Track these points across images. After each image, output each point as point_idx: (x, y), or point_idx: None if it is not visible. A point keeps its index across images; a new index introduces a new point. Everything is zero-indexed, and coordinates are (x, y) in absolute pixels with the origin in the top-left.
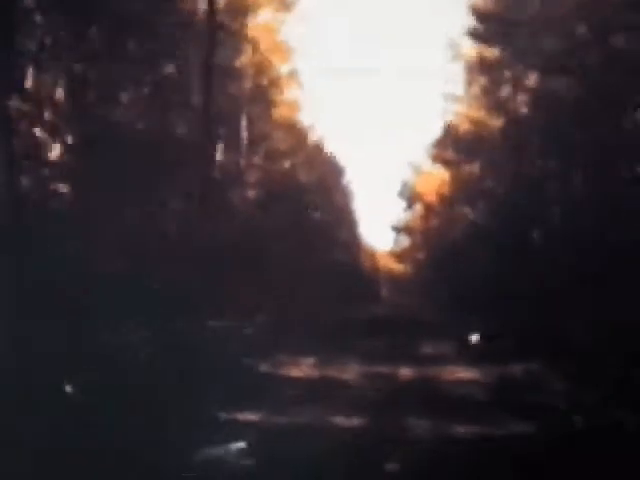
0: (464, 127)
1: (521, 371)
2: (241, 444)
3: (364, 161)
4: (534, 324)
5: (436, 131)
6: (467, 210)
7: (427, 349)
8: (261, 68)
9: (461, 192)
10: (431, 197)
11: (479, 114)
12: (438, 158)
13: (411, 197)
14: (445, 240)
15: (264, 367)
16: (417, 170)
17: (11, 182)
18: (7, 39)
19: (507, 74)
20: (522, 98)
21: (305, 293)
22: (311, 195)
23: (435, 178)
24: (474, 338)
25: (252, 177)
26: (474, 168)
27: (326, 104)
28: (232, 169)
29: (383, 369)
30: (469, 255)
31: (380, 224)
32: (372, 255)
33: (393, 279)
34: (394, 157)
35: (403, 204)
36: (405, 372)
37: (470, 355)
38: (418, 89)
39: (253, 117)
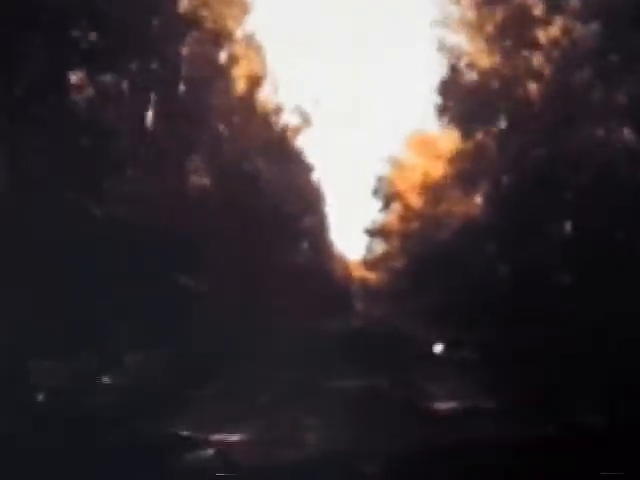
0: (470, 78)
1: None
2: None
3: (335, 156)
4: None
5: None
6: (465, 199)
7: (436, 399)
8: (200, 20)
9: (463, 171)
10: (412, 194)
11: (491, 61)
12: (445, 111)
13: (388, 195)
14: (429, 244)
15: None
16: (395, 164)
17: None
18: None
19: None
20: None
21: (259, 306)
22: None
23: (417, 171)
24: (439, 348)
25: (196, 158)
26: (487, 138)
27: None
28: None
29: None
30: (462, 259)
31: (351, 230)
32: (344, 263)
33: (366, 289)
34: (367, 151)
35: (379, 204)
36: None
37: (502, 401)
38: (395, 77)
39: (197, 86)
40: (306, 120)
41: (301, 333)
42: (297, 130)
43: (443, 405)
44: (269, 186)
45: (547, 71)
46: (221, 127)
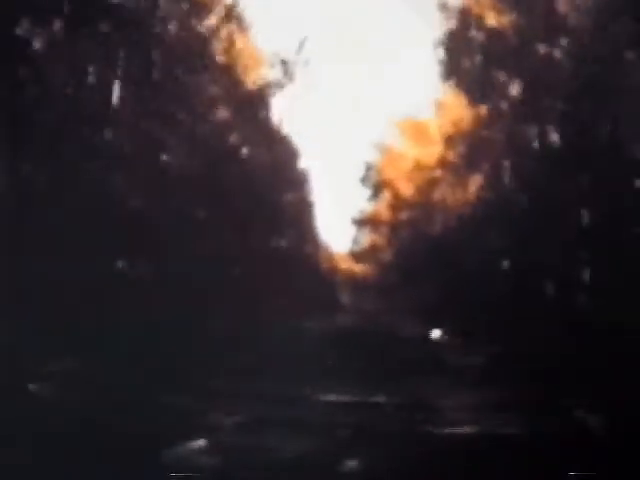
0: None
1: None
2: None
3: (321, 143)
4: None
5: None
6: (461, 186)
7: (449, 420)
8: None
9: (470, 143)
10: (402, 182)
11: (502, 19)
12: (452, 72)
13: (377, 184)
14: (420, 235)
15: None
16: (385, 150)
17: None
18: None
19: None
20: None
21: (237, 299)
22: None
23: (408, 158)
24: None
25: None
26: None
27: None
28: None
29: None
30: (456, 251)
31: (339, 222)
32: (330, 255)
33: (354, 282)
34: (356, 137)
35: (367, 193)
36: None
37: None
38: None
39: (172, 57)
40: (288, 73)
41: (284, 331)
42: (278, 85)
43: (460, 430)
44: (250, 165)
45: (574, 25)
46: (198, 102)
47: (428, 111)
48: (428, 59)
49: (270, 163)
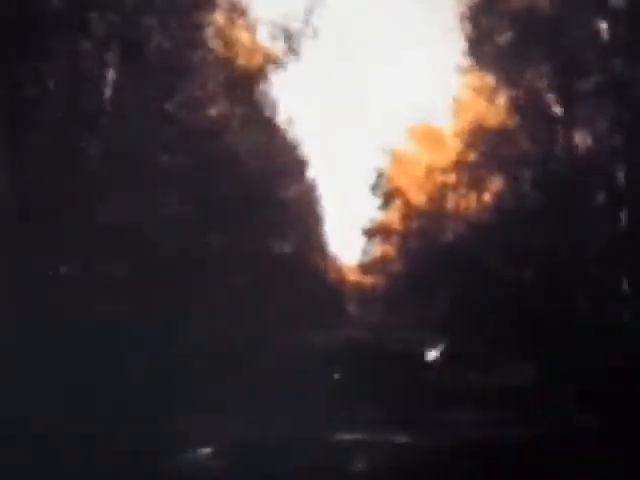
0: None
1: None
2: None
3: (329, 150)
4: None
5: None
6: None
7: None
8: None
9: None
10: (414, 190)
11: None
12: (479, 45)
13: (388, 192)
14: (432, 243)
15: None
16: (396, 157)
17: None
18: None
19: None
20: None
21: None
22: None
23: (420, 165)
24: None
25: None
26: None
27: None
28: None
29: None
30: (470, 260)
31: (347, 235)
32: (338, 266)
33: (362, 294)
34: (356, 138)
35: (377, 204)
36: None
37: None
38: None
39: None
40: (292, 48)
41: (289, 347)
42: (280, 62)
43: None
44: (251, 164)
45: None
46: (197, 97)
47: (436, 113)
48: (428, 59)
49: (271, 160)
